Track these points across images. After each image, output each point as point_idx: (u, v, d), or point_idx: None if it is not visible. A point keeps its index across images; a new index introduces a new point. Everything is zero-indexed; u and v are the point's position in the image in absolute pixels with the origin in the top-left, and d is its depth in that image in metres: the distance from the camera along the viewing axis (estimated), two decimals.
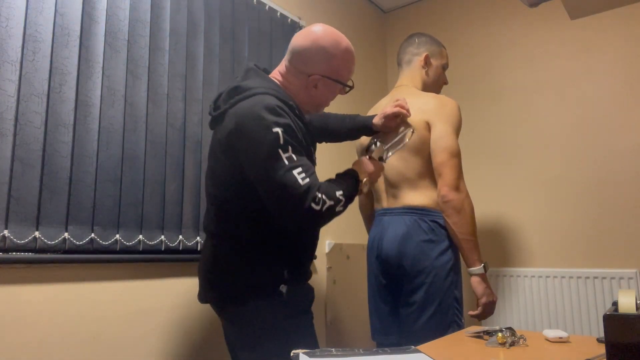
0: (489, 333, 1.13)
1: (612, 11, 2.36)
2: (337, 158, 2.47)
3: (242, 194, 1.19)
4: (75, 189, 1.40)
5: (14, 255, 1.26)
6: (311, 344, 1.18)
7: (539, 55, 2.55)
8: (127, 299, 1.51)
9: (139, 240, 1.54)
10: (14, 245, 1.26)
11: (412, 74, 1.80)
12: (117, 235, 1.49)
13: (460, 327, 1.56)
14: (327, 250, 2.36)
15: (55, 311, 1.34)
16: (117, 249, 1.48)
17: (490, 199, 2.60)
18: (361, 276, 2.52)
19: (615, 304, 0.80)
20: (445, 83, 1.88)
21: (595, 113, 2.35)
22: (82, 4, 1.46)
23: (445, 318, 1.54)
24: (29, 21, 1.34)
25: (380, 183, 1.73)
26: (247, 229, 1.21)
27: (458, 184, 1.56)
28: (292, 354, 0.79)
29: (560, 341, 1.09)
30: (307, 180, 1.10)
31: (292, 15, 2.32)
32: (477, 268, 1.55)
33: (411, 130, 1.54)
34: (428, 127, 1.62)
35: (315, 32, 1.27)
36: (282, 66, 1.33)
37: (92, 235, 1.43)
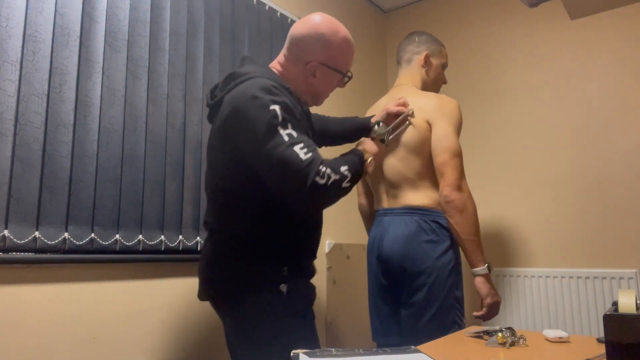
0: (489, 333, 1.13)
1: (612, 11, 2.36)
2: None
3: (241, 183, 1.17)
4: (75, 189, 1.40)
5: (14, 255, 1.26)
6: (312, 344, 1.16)
7: (539, 55, 2.55)
8: (127, 299, 1.51)
9: (139, 240, 1.54)
10: (14, 245, 1.26)
11: (411, 73, 1.80)
12: (117, 235, 1.49)
13: (461, 327, 1.55)
14: (327, 250, 2.36)
15: (55, 311, 1.34)
16: (117, 249, 1.48)
17: (490, 198, 2.60)
18: (361, 276, 2.52)
19: (615, 304, 0.80)
20: (445, 82, 1.88)
21: (596, 113, 2.35)
22: (82, 4, 1.46)
23: (446, 318, 1.54)
24: (29, 21, 1.34)
25: (381, 183, 1.73)
26: (247, 225, 1.19)
27: (460, 183, 1.55)
28: (292, 354, 0.79)
29: (560, 341, 1.09)
30: (310, 154, 1.06)
31: (292, 15, 2.32)
32: (481, 268, 1.54)
33: (411, 112, 1.55)
34: (428, 126, 1.61)
35: (314, 19, 1.27)
36: (280, 56, 1.32)
37: (92, 235, 1.43)
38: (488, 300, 1.55)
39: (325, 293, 2.32)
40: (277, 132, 1.07)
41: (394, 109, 1.56)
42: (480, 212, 2.60)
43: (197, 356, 1.67)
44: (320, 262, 2.32)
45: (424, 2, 3.05)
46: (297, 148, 1.06)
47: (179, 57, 1.74)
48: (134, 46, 1.60)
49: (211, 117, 1.30)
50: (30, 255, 1.29)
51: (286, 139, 1.07)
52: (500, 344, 1.04)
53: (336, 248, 2.41)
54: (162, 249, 1.61)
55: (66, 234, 1.37)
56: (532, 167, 2.49)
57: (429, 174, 1.63)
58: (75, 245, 1.38)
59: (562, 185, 2.40)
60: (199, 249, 1.71)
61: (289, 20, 2.30)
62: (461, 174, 1.57)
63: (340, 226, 2.47)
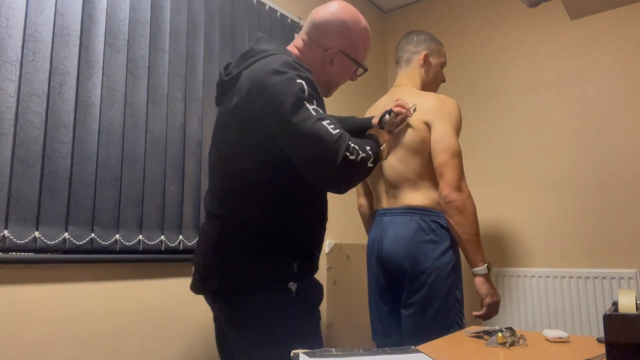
0: (489, 333, 1.13)
1: (612, 11, 2.36)
2: None
3: (257, 165, 1.11)
4: (75, 189, 1.40)
5: (14, 255, 1.26)
6: (316, 346, 1.11)
7: (539, 55, 2.56)
8: (127, 299, 1.51)
9: (139, 240, 1.54)
10: (14, 245, 1.26)
11: (411, 72, 1.80)
12: (117, 235, 1.49)
13: (461, 327, 1.55)
14: (327, 250, 2.36)
15: (55, 311, 1.34)
16: (117, 249, 1.48)
17: (490, 198, 2.60)
18: (361, 276, 2.52)
19: (615, 304, 0.80)
20: (444, 81, 1.88)
21: (595, 113, 2.35)
22: (82, 4, 1.47)
23: (446, 319, 1.54)
24: (29, 21, 1.34)
25: (380, 183, 1.73)
26: (257, 213, 1.12)
27: (460, 184, 1.55)
28: (292, 354, 0.79)
29: (560, 341, 1.09)
30: (338, 130, 1.02)
31: (292, 15, 2.32)
32: (481, 268, 1.54)
33: (413, 107, 1.55)
34: (428, 126, 1.61)
35: (337, 6, 1.26)
36: (298, 41, 1.28)
37: (92, 235, 1.43)
38: (488, 300, 1.55)
39: (325, 293, 2.32)
40: (304, 105, 1.03)
41: (394, 109, 1.56)
42: (480, 212, 2.60)
43: (197, 356, 1.67)
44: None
45: (424, 2, 3.05)
46: (325, 122, 1.03)
47: (179, 57, 1.74)
48: (134, 46, 1.60)
49: (222, 97, 1.23)
50: (30, 255, 1.29)
51: (314, 113, 1.03)
52: (500, 344, 1.04)
53: (336, 248, 2.41)
54: (162, 249, 1.61)
55: (66, 234, 1.37)
56: (532, 167, 2.49)
57: (429, 174, 1.63)
58: (75, 245, 1.38)
59: (562, 185, 2.40)
60: None
61: (289, 20, 2.30)
62: (461, 174, 1.57)
63: (340, 226, 2.47)
